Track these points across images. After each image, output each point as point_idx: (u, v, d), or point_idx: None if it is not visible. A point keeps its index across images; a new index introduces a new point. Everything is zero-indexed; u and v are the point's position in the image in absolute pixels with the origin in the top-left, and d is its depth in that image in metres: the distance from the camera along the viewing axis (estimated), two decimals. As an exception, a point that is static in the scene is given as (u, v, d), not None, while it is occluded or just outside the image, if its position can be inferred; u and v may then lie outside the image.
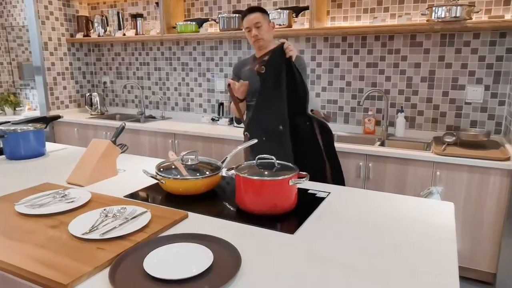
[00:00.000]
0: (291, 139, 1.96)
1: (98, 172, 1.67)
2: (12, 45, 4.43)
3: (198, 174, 1.55)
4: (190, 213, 1.31)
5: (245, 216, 1.29)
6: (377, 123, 2.83)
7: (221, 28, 3.01)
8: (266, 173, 1.36)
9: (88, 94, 3.84)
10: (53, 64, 3.72)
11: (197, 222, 1.25)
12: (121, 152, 1.86)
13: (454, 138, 2.39)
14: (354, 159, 2.40)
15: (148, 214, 1.23)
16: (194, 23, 3.17)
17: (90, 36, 3.75)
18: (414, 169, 2.25)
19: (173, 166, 1.57)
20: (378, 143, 2.59)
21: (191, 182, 1.46)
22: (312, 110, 1.98)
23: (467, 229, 2.19)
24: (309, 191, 1.54)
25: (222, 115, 3.28)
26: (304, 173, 1.39)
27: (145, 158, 2.06)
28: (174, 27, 3.29)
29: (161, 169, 1.54)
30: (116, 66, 3.98)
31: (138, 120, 3.67)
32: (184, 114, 3.67)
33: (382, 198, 1.44)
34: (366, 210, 1.35)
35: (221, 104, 3.26)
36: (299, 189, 1.39)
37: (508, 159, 2.06)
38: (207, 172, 1.54)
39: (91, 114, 3.82)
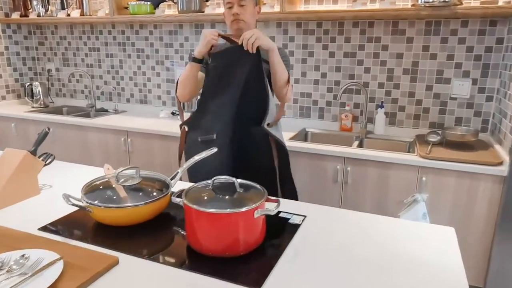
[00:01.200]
0: (242, 150, 1.69)
1: (10, 192, 1.29)
2: None
3: (141, 194, 1.21)
4: (123, 256, 0.98)
5: (197, 259, 0.97)
6: (355, 119, 2.56)
7: (180, 9, 2.62)
8: (226, 198, 1.04)
9: (29, 83, 3.34)
10: (-17, 48, 3.19)
11: (131, 271, 0.92)
12: (45, 164, 1.48)
13: (439, 137, 2.16)
14: (330, 161, 2.13)
15: (59, 265, 0.88)
16: (148, 3, 2.75)
17: (28, 16, 3.23)
18: (397, 173, 2.01)
19: (109, 185, 1.22)
20: (356, 142, 2.33)
21: (129, 210, 1.12)
22: (268, 124, 1.68)
23: (453, 240, 1.98)
24: (280, 215, 1.24)
25: (184, 109, 2.91)
26: (274, 198, 1.09)
27: (82, 167, 1.69)
28: (126, 8, 2.86)
29: (92, 190, 1.18)
30: (62, 52, 3.49)
31: (87, 114, 3.23)
32: (140, 107, 3.27)
33: (371, 222, 1.16)
34: (353, 240, 1.06)
35: (182, 96, 2.89)
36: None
37: (500, 163, 1.85)
38: (155, 193, 1.21)
39: (33, 107, 3.33)
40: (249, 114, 1.65)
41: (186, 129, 1.76)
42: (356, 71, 2.50)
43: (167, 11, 2.84)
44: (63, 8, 3.13)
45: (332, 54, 2.53)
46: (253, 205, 0.97)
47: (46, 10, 3.20)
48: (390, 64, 2.41)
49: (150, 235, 1.10)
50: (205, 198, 1.04)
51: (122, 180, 1.22)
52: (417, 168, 1.96)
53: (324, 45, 2.54)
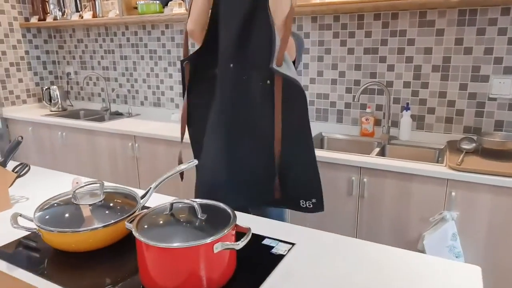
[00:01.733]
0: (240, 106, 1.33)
1: (-28, 208, 1.19)
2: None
3: (107, 212, 1.07)
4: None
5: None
6: (377, 122, 2.30)
7: (187, 7, 2.48)
8: (184, 226, 0.87)
9: (47, 87, 3.35)
10: (3, 53, 3.23)
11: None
12: (19, 176, 1.38)
13: (474, 144, 1.86)
14: (345, 171, 1.89)
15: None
16: (157, 2, 2.64)
17: (45, 20, 3.24)
18: (421, 187, 1.74)
19: (73, 201, 1.08)
20: (377, 149, 2.07)
21: (85, 235, 0.97)
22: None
23: (489, 269, 1.68)
24: (264, 241, 1.04)
25: (194, 112, 2.77)
26: (245, 227, 0.89)
27: (68, 176, 1.57)
28: (136, 8, 2.76)
29: (50, 208, 1.05)
30: (80, 55, 3.48)
31: (102, 118, 3.18)
32: (154, 110, 3.17)
33: (380, 255, 0.93)
34: (351, 279, 0.84)
35: (193, 99, 2.75)
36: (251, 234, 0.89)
37: (549, 178, 1.53)
38: (123, 211, 1.06)
39: (51, 111, 3.34)
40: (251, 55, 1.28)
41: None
42: (378, 69, 2.23)
43: (176, 9, 2.71)
44: (77, 10, 3.10)
45: (351, 51, 2.29)
46: (211, 238, 0.79)
47: (63, 14, 3.19)
48: (417, 60, 2.13)
49: (105, 264, 0.94)
50: (161, 223, 0.87)
51: (83, 197, 1.08)
52: (445, 181, 1.68)
53: (342, 41, 2.30)
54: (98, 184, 1.11)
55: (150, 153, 2.53)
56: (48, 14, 3.26)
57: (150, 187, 1.16)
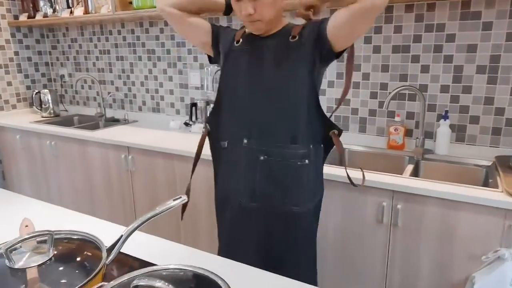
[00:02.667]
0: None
1: None
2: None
3: (61, 268, 0.77)
4: None
5: None
6: (408, 133, 1.96)
7: (187, 0, 2.17)
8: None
9: (37, 91, 3.08)
10: (-10, 54, 2.97)
11: None
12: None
13: (533, 163, 1.51)
14: (374, 195, 1.56)
15: None
16: (154, -5, 2.34)
17: (34, 18, 2.96)
18: (470, 216, 1.40)
19: (7, 264, 0.78)
20: (410, 166, 1.73)
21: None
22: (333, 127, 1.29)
23: (560, 319, 1.33)
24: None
25: (196, 119, 2.47)
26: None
27: (38, 204, 1.27)
28: (131, 2, 2.46)
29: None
30: (74, 56, 3.20)
31: (96, 125, 2.90)
32: (152, 116, 2.87)
33: None
34: None
35: (194, 104, 2.45)
36: None
37: None
38: (78, 276, 0.76)
39: (42, 117, 3.07)
40: (273, 127, 1.24)
41: (208, 127, 1.38)
42: (409, 71, 1.90)
43: (176, 4, 2.40)
44: (68, 6, 2.81)
45: (377, 49, 1.95)
46: None
47: (54, 11, 2.91)
48: (458, 60, 1.79)
49: None
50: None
51: (23, 255, 0.77)
52: (502, 212, 1.34)
53: (367, 38, 1.96)
54: (47, 236, 0.80)
55: (145, 166, 2.23)
56: (38, 12, 2.98)
57: (121, 235, 0.85)
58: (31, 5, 3.02)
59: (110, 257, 0.81)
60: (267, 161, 1.22)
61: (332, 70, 2.08)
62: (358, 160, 2.02)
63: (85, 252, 0.83)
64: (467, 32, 1.74)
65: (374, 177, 1.55)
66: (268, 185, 1.24)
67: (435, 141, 1.86)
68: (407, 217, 1.52)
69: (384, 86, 1.98)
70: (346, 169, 1.37)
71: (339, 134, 1.26)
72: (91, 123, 2.91)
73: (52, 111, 3.09)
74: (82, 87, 3.22)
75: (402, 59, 1.90)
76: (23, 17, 3.02)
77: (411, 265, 1.55)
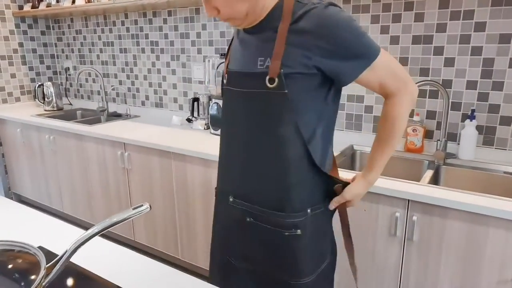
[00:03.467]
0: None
1: None
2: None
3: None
4: None
5: None
6: (428, 135, 1.75)
7: (189, -13, 2.02)
8: None
9: (39, 84, 2.99)
10: (-7, 45, 2.90)
11: None
12: None
13: None
14: (386, 204, 1.37)
15: None
16: (155, -18, 2.19)
17: (37, 8, 2.87)
18: (501, 233, 1.19)
19: None
20: (429, 172, 1.53)
21: None
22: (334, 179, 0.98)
23: None
24: None
25: (198, 114, 2.32)
26: None
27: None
28: (133, -10, 2.33)
29: None
30: (78, 48, 3.10)
31: (98, 119, 2.79)
32: (155, 111, 2.74)
33: None
34: None
35: (196, 99, 2.29)
36: None
37: None
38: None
39: (45, 110, 2.98)
40: (261, 171, 0.94)
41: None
42: (431, 64, 1.69)
43: (178, -9, 2.26)
44: (71, -4, 2.71)
45: (395, 40, 1.75)
46: None
47: (57, 0, 2.81)
48: (488, 51, 1.57)
49: None
50: None
51: None
52: (540, 230, 1.13)
53: (384, 27, 1.76)
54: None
55: (142, 164, 2.10)
56: (42, 1, 2.89)
57: (66, 251, 0.70)
58: (35, -5, 2.94)
59: (49, 277, 0.67)
60: (255, 225, 0.96)
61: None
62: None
63: (21, 268, 0.68)
64: (499, 20, 1.52)
65: (386, 184, 1.36)
66: (259, 250, 0.98)
67: (459, 144, 1.65)
68: (424, 231, 1.32)
69: (402, 82, 1.77)
70: (355, 279, 1.09)
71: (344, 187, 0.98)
72: (92, 118, 2.80)
73: (55, 104, 3.00)
74: (87, 80, 3.12)
75: (424, 51, 1.69)
76: (27, 7, 2.94)
77: (428, 286, 1.35)
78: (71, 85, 3.27)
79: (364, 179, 0.99)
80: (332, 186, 0.97)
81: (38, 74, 3.20)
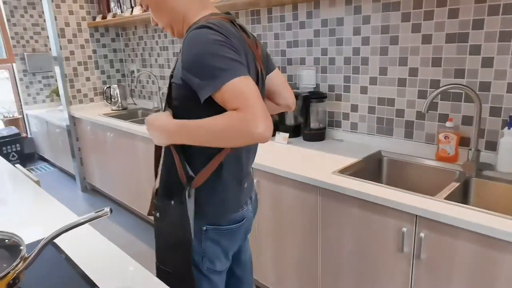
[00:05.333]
0: None
1: None
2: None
3: None
4: None
5: None
6: (463, 142, 1.58)
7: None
8: None
9: (107, 86, 3.35)
10: (72, 52, 3.32)
11: None
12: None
13: None
14: (393, 218, 1.29)
15: None
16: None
17: (106, 18, 3.21)
18: (517, 261, 1.05)
19: None
20: (454, 184, 1.39)
21: None
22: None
23: None
24: None
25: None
26: None
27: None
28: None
29: None
30: (141, 52, 3.40)
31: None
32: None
33: None
34: None
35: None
36: None
37: None
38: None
39: (112, 110, 3.34)
40: None
41: None
42: (467, 65, 1.52)
43: (217, -3, 2.34)
44: (131, 6, 2.98)
45: (427, 39, 1.61)
46: None
47: (122, 11, 3.12)
48: (533, 50, 1.36)
49: None
50: None
51: None
52: (562, 261, 0.97)
53: (415, 25, 1.63)
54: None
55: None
56: (110, 12, 3.23)
57: (42, 239, 0.82)
58: (105, 7, 3.29)
59: (24, 265, 0.79)
60: None
61: (375, 64, 1.80)
62: (397, 171, 1.71)
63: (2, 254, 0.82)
64: (548, 13, 1.31)
65: (394, 195, 1.28)
66: None
67: (497, 154, 1.47)
68: (433, 249, 1.21)
69: (435, 84, 1.62)
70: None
71: None
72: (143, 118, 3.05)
73: (120, 104, 3.34)
74: (147, 82, 3.41)
75: (458, 51, 1.53)
76: (98, 18, 3.31)
77: (438, 309, 1.25)
78: (136, 86, 3.60)
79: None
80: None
81: (108, 77, 3.58)
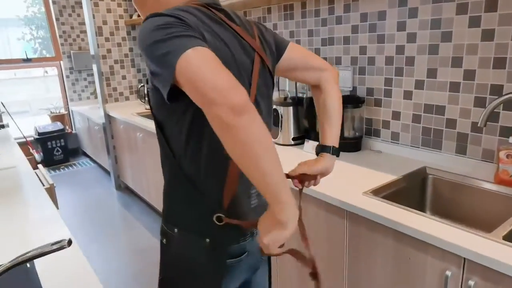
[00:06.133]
0: None
1: None
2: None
3: None
4: None
5: None
6: (532, 163, 1.28)
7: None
8: None
9: (142, 85, 3.32)
10: (109, 51, 3.32)
11: None
12: None
13: None
14: (434, 257, 1.05)
15: None
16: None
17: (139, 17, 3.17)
18: None
19: None
20: (519, 217, 1.11)
21: None
22: None
23: None
24: None
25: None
26: None
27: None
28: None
29: None
30: (176, 51, 3.32)
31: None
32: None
33: None
34: None
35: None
36: None
37: None
38: None
39: (146, 108, 3.30)
40: None
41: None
42: (541, 67, 1.22)
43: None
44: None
45: (487, 34, 1.32)
46: None
47: (157, 8, 3.05)
48: None
49: None
50: None
51: None
52: None
53: (473, 19, 1.35)
54: None
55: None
56: (146, 10, 3.18)
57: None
58: (143, 4, 3.25)
59: None
60: None
61: (422, 65, 1.53)
62: (444, 194, 1.44)
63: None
64: None
65: (437, 230, 1.03)
66: None
67: None
68: (486, 303, 0.96)
69: (496, 90, 1.33)
70: None
71: None
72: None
73: (153, 103, 3.29)
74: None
75: (530, 49, 1.23)
76: (135, 16, 3.27)
77: None
78: (171, 85, 3.54)
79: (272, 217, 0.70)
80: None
81: (144, 75, 3.55)
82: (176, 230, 0.89)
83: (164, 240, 0.94)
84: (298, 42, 2.07)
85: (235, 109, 0.60)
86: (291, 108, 1.93)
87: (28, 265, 0.88)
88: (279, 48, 1.00)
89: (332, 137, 1.00)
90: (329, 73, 1.05)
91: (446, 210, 1.41)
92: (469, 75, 1.40)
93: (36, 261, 0.93)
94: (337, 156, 1.01)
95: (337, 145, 1.01)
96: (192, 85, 0.64)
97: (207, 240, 0.84)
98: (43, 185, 1.72)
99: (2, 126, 1.85)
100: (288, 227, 0.69)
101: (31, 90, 5.19)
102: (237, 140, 0.62)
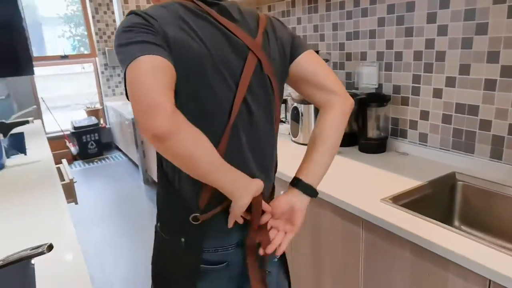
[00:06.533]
0: None
1: None
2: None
3: None
4: None
5: None
6: None
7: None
8: None
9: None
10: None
11: None
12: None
13: None
14: (456, 275, 0.94)
15: None
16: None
17: (168, 12, 3.18)
18: None
19: None
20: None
21: None
22: None
23: None
24: None
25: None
26: None
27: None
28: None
29: None
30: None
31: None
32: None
33: None
34: None
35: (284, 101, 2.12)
36: None
37: None
38: None
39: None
40: None
41: None
42: None
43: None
44: None
45: (530, 26, 1.17)
46: None
47: None
48: None
49: None
50: None
51: None
52: None
53: (513, 8, 1.20)
54: None
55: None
56: None
57: None
58: None
59: None
60: None
61: (454, 61, 1.39)
62: (475, 203, 1.30)
63: None
64: None
65: (459, 243, 0.92)
66: None
67: None
68: (514, 332, 0.84)
69: (539, 88, 1.18)
70: None
71: None
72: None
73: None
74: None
75: None
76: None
77: None
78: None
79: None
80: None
81: (172, 71, 3.58)
82: (159, 228, 0.91)
83: (155, 237, 0.95)
84: (322, 36, 1.97)
85: (156, 137, 0.64)
86: (312, 106, 1.84)
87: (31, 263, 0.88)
88: (294, 51, 0.90)
89: (309, 173, 0.87)
90: (340, 99, 0.89)
91: (477, 221, 1.28)
92: (507, 71, 1.25)
93: (36, 261, 0.93)
94: (312, 196, 0.87)
95: (314, 184, 0.87)
96: (135, 96, 0.67)
97: (183, 239, 0.83)
98: (64, 180, 1.76)
99: (27, 122, 1.90)
100: (237, 198, 0.77)
101: (75, 85, 5.42)
102: (169, 157, 0.69)
